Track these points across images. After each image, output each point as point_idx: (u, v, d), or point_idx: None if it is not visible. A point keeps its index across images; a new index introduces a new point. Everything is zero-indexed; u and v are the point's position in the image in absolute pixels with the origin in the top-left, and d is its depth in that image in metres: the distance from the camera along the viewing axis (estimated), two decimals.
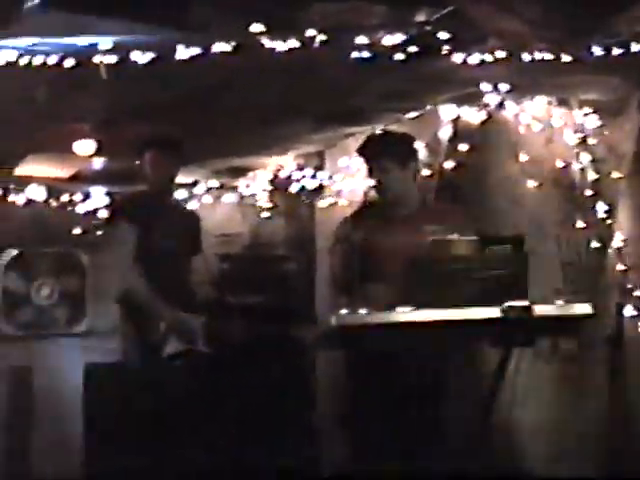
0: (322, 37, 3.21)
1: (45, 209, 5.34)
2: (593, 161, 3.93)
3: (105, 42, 3.18)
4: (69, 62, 3.24)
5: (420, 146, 3.85)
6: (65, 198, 5.39)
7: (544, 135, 4.09)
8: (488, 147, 4.30)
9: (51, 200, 5.36)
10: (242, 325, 4.19)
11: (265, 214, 5.77)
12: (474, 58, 3.45)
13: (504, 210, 4.18)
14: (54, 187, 5.31)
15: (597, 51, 3.31)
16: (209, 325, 3.94)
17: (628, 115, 3.83)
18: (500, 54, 3.41)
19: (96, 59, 3.23)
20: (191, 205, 5.49)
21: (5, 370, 5.23)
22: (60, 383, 5.09)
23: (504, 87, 3.91)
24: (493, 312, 2.78)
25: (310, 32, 3.20)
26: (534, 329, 2.89)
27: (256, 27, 3.15)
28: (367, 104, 4.25)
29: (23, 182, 5.23)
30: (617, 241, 3.82)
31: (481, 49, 3.43)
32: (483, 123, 4.27)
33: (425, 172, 4.24)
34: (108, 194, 5.34)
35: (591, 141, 3.95)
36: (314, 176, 5.34)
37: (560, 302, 2.86)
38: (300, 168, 5.41)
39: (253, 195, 5.77)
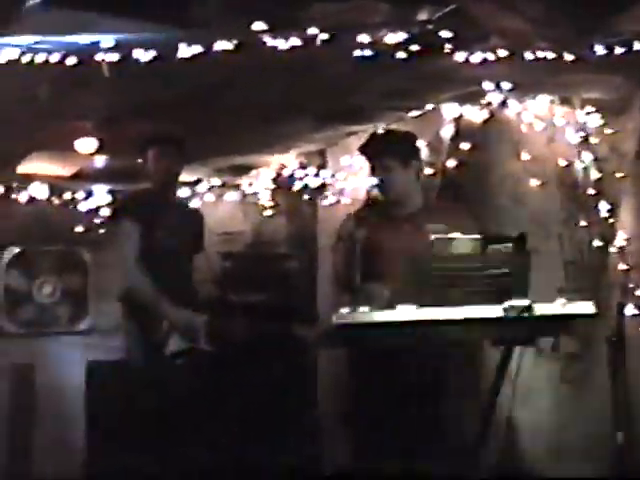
0: (324, 35, 3.20)
1: (47, 207, 5.34)
2: (595, 160, 3.92)
3: (107, 40, 3.18)
4: (71, 60, 3.23)
5: (422, 145, 3.85)
6: (67, 196, 5.39)
7: (546, 134, 4.08)
8: (490, 146, 4.29)
9: (53, 198, 5.36)
10: (244, 323, 4.20)
11: (267, 212, 5.76)
12: (476, 57, 3.44)
13: (506, 209, 4.17)
14: (56, 185, 5.31)
15: (599, 50, 3.30)
16: (211, 323, 3.94)
17: (630, 114, 3.83)
18: (502, 53, 3.40)
19: (98, 57, 3.22)
20: (193, 203, 5.49)
21: (7, 368, 5.24)
22: (62, 381, 5.10)
23: (506, 86, 3.90)
24: (495, 311, 2.77)
25: (312, 30, 3.19)
26: (535, 328, 2.88)
27: (258, 25, 3.14)
28: (369, 103, 4.24)
29: (25, 180, 5.23)
30: (619, 240, 3.81)
31: (483, 48, 3.42)
32: (485, 122, 4.26)
33: (427, 171, 4.23)
34: (110, 192, 5.34)
35: (593, 140, 3.95)
36: (316, 175, 5.33)
37: (562, 301, 2.85)
38: (302, 167, 5.40)
39: (255, 193, 5.77)
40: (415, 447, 3.36)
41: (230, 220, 5.85)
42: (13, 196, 5.29)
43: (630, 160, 3.81)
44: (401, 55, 3.34)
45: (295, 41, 3.22)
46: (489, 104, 4.20)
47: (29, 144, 4.58)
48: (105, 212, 5.30)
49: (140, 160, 4.19)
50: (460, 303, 2.78)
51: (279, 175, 5.59)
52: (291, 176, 5.46)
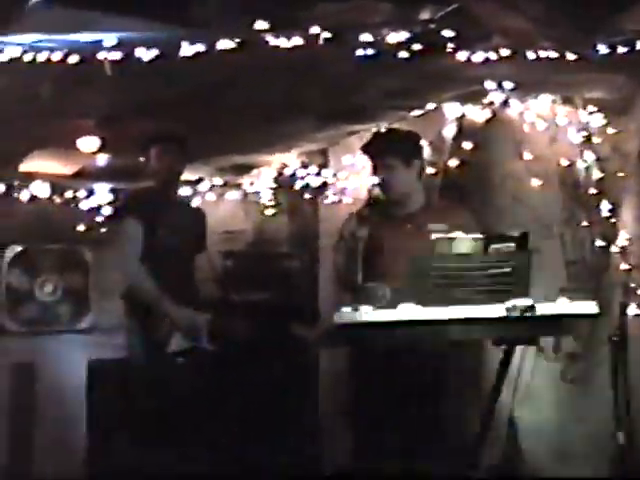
0: (326, 35, 3.19)
1: (49, 206, 5.33)
2: (597, 160, 3.91)
3: (109, 39, 3.18)
4: (73, 58, 3.23)
5: (424, 144, 3.84)
6: (69, 195, 5.38)
7: (548, 133, 4.07)
8: (492, 145, 4.28)
9: (55, 197, 5.35)
10: (245, 322, 4.20)
11: (269, 212, 5.76)
12: (478, 56, 3.44)
13: (508, 208, 4.16)
14: (58, 184, 5.30)
15: (602, 49, 3.30)
16: (213, 322, 3.94)
17: (633, 114, 3.82)
18: (505, 52, 3.40)
19: (100, 56, 3.21)
20: (195, 202, 5.49)
21: (8, 366, 5.24)
22: (63, 380, 5.09)
23: (508, 85, 3.90)
24: (496, 311, 2.77)
25: (314, 30, 3.18)
26: (537, 328, 2.87)
27: (260, 24, 3.14)
28: (371, 102, 4.23)
29: (27, 178, 5.22)
30: (621, 240, 3.81)
31: (485, 47, 3.41)
32: (487, 121, 4.26)
33: (429, 170, 4.23)
34: (112, 191, 5.34)
35: (595, 140, 3.94)
36: (318, 174, 5.32)
37: (564, 301, 2.85)
38: (304, 166, 5.40)
39: (257, 193, 5.76)
40: (416, 447, 3.36)
41: (231, 219, 5.84)
42: (15, 195, 5.28)
43: (632, 160, 3.81)
44: (403, 54, 3.34)
45: (297, 40, 3.21)
46: (491, 104, 4.20)
47: (31, 142, 4.57)
48: (107, 211, 5.30)
49: (142, 159, 4.19)
50: (461, 303, 2.79)
51: (281, 174, 5.59)
52: (293, 175, 5.45)
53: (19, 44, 3.17)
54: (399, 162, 3.51)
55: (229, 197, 5.83)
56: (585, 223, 3.94)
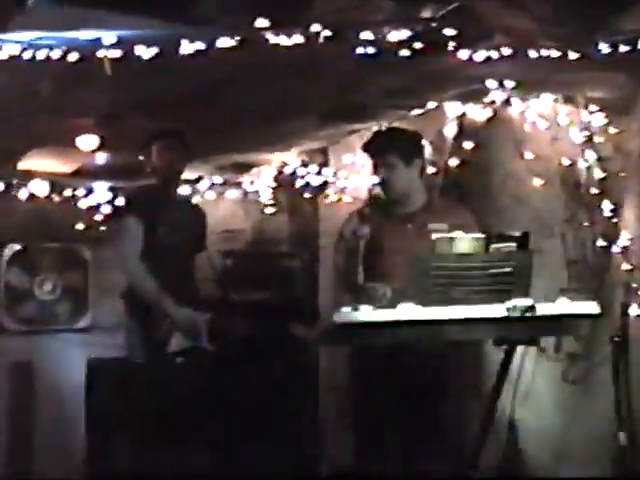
0: (327, 33, 3.18)
1: (48, 204, 5.32)
2: (599, 159, 3.91)
3: (109, 37, 3.16)
4: (73, 56, 3.21)
5: (425, 143, 3.83)
6: (68, 193, 5.37)
7: (550, 133, 4.06)
8: (493, 145, 4.27)
9: (54, 195, 5.34)
10: (245, 322, 4.19)
11: (268, 210, 5.75)
12: (480, 55, 3.43)
13: (509, 208, 4.15)
14: (57, 182, 5.28)
15: (604, 48, 3.28)
16: (213, 322, 3.93)
17: (635, 113, 3.81)
18: (506, 51, 3.39)
19: (100, 54, 3.20)
20: (194, 201, 5.47)
21: (7, 365, 5.22)
22: (62, 379, 5.08)
23: (510, 84, 3.88)
24: (497, 310, 2.76)
25: (315, 28, 3.17)
26: (538, 328, 2.86)
27: (260, 22, 3.13)
28: (372, 101, 4.22)
29: (26, 177, 5.20)
30: (623, 240, 3.80)
31: (487, 46, 3.40)
32: (489, 120, 4.24)
33: (430, 170, 4.22)
34: (111, 189, 5.33)
35: (597, 139, 3.93)
36: (318, 173, 5.31)
37: (565, 301, 2.84)
38: (304, 165, 5.38)
39: (257, 191, 5.75)
40: (416, 448, 3.35)
41: (231, 218, 5.83)
42: (13, 193, 5.27)
43: (634, 159, 3.80)
44: (404, 53, 3.32)
45: (298, 38, 3.20)
46: (492, 103, 4.19)
47: (30, 140, 4.56)
48: (106, 209, 5.29)
49: (143, 157, 4.18)
50: (462, 303, 2.78)
51: (281, 173, 5.57)
52: (293, 174, 5.44)
53: (18, 42, 3.16)
54: (400, 161, 3.51)
55: (229, 196, 5.82)
56: (586, 223, 3.92)
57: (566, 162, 4.02)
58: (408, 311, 2.76)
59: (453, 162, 4.35)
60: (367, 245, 3.35)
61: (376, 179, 3.57)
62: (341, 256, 3.54)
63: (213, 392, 3.79)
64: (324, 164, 5.32)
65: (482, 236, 2.95)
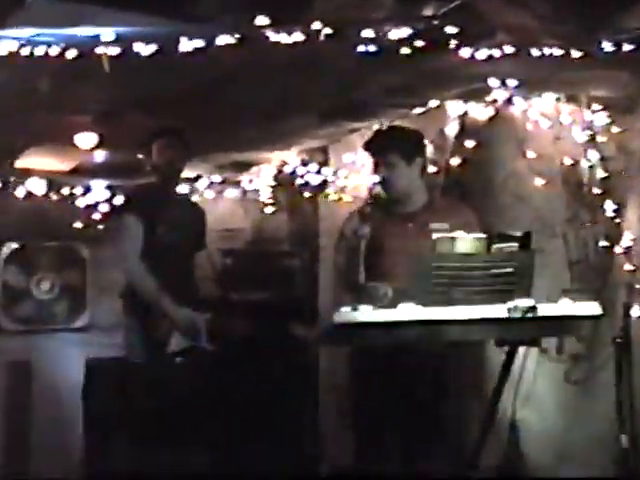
0: (327, 30, 3.16)
1: (45, 202, 5.31)
2: (602, 159, 3.90)
3: (107, 33, 3.14)
4: (71, 53, 3.20)
5: (426, 142, 3.81)
6: (66, 191, 5.36)
7: (552, 132, 4.04)
8: (495, 144, 4.25)
9: (52, 193, 5.32)
10: (244, 321, 4.18)
11: (268, 209, 5.73)
12: (482, 53, 3.41)
13: (511, 207, 4.14)
14: (55, 180, 5.28)
15: (607, 47, 3.26)
16: (212, 321, 3.92)
17: (638, 112, 3.80)
18: (509, 49, 3.37)
19: (99, 50, 3.19)
20: (194, 200, 5.46)
21: (4, 365, 5.22)
22: (60, 378, 5.07)
23: (512, 83, 3.86)
24: (498, 311, 2.75)
25: (315, 25, 3.15)
26: (540, 329, 2.84)
27: (261, 20, 3.11)
28: (372, 99, 4.21)
29: (23, 175, 5.19)
30: (625, 240, 3.79)
31: (489, 44, 3.38)
32: (490, 119, 4.23)
33: (431, 169, 4.20)
34: (109, 187, 5.32)
35: (600, 138, 3.92)
36: (318, 172, 5.30)
37: (567, 301, 2.82)
38: (304, 163, 5.37)
39: (256, 190, 5.74)
40: (416, 449, 3.34)
41: (230, 217, 5.83)
42: (11, 191, 5.26)
43: (637, 159, 3.79)
44: (405, 51, 3.31)
45: (298, 36, 3.18)
46: (494, 101, 4.17)
47: (28, 138, 4.56)
48: (104, 208, 5.28)
49: (143, 155, 4.17)
50: (463, 303, 2.77)
51: (280, 172, 5.56)
52: (293, 173, 5.43)
53: (16, 38, 3.14)
54: (401, 160, 3.49)
55: (228, 195, 5.81)
56: (589, 223, 3.91)
57: (568, 161, 4.01)
58: (408, 311, 2.75)
59: (454, 161, 4.34)
60: (368, 245, 3.33)
61: (377, 178, 3.55)
62: (342, 256, 3.52)
63: (213, 392, 3.78)
64: (324, 163, 5.31)
65: (483, 236, 2.93)
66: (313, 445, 4.14)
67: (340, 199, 5.09)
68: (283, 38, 3.19)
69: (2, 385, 5.18)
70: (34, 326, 5.39)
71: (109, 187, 5.30)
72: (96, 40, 3.15)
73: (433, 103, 4.26)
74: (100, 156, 4.81)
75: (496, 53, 3.40)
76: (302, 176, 5.37)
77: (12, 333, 5.33)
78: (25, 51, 3.16)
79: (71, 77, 3.51)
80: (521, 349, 3.08)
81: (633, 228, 3.79)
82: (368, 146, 3.62)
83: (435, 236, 2.96)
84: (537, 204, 4.05)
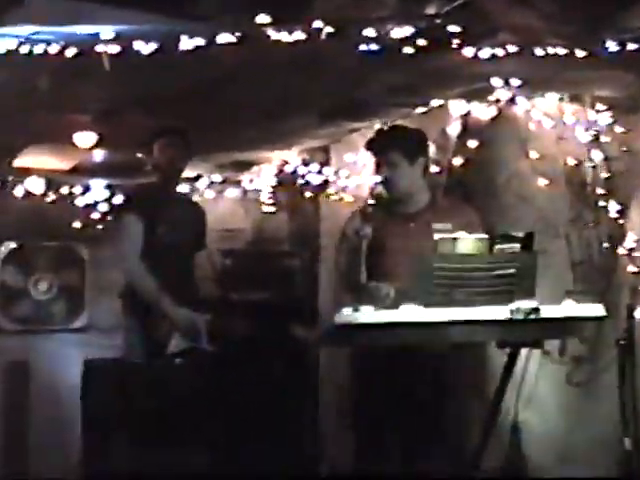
0: (329, 29, 3.15)
1: (44, 202, 5.30)
2: (605, 159, 3.89)
3: (107, 31, 3.13)
4: (71, 51, 3.19)
5: (428, 142, 3.79)
6: (65, 191, 5.35)
7: (555, 132, 4.04)
8: (498, 144, 4.24)
9: (50, 192, 5.31)
10: (244, 322, 4.17)
11: (269, 209, 5.72)
12: (485, 52, 3.39)
13: (513, 208, 4.12)
14: (54, 179, 5.27)
15: (611, 46, 3.25)
16: (212, 322, 3.90)
17: None
18: (512, 49, 3.35)
19: (98, 49, 3.17)
20: (195, 200, 5.44)
21: (2, 365, 5.21)
22: (58, 379, 5.06)
23: (515, 82, 3.85)
24: (501, 312, 2.73)
25: (316, 24, 3.13)
26: (542, 330, 2.83)
27: (262, 18, 3.09)
28: (374, 98, 4.20)
29: (22, 174, 5.18)
30: (629, 241, 3.77)
31: (492, 43, 3.36)
32: (493, 119, 4.21)
33: (433, 169, 4.18)
34: (109, 187, 5.31)
35: (603, 139, 3.91)
36: (319, 171, 5.28)
37: (570, 303, 2.80)
38: (305, 163, 5.36)
39: (257, 190, 5.72)
40: (417, 451, 3.33)
41: (231, 217, 5.82)
42: (9, 190, 5.25)
43: None
44: (408, 50, 3.29)
45: (299, 35, 3.17)
46: (497, 101, 4.15)
47: (26, 137, 4.55)
48: (103, 207, 5.27)
49: (144, 154, 4.17)
50: (465, 304, 2.75)
51: (281, 171, 5.55)
52: (293, 173, 5.41)
53: (15, 36, 3.13)
54: (403, 159, 3.47)
55: (228, 195, 5.80)
56: (592, 224, 3.90)
57: (572, 162, 4.00)
58: (410, 312, 2.73)
59: (457, 161, 4.33)
60: (369, 245, 3.31)
61: (379, 178, 3.53)
62: (343, 256, 3.50)
63: (213, 393, 3.76)
64: (325, 163, 5.29)
65: (486, 237, 2.92)
66: (313, 446, 4.13)
67: (341, 199, 5.07)
68: (284, 37, 3.17)
69: (0, 385, 5.16)
70: (32, 326, 5.38)
71: (108, 186, 5.29)
72: (96, 38, 3.15)
73: (435, 102, 4.25)
74: (99, 155, 4.80)
75: (499, 52, 3.38)
76: (303, 176, 5.36)
77: (10, 333, 5.32)
78: (24, 49, 3.16)
79: (70, 75, 3.51)
80: (523, 351, 3.07)
81: (637, 229, 3.79)
82: (370, 145, 3.60)
83: (437, 237, 2.94)
84: (540, 204, 4.04)
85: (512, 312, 2.72)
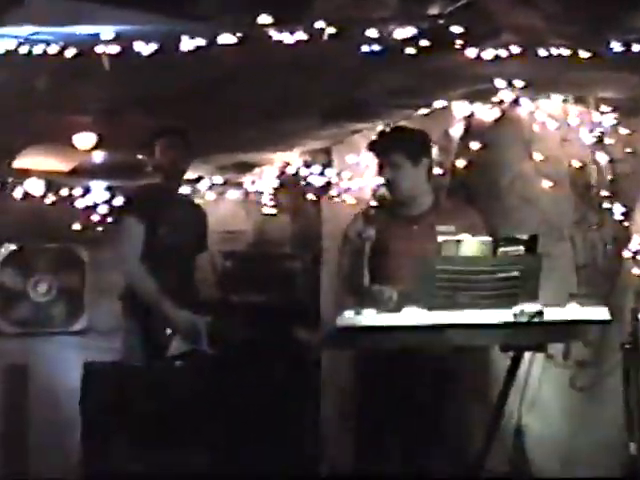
0: (331, 30, 3.14)
1: (44, 203, 5.29)
2: (610, 161, 3.88)
3: (107, 32, 3.11)
4: (70, 52, 3.19)
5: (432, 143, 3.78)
6: (65, 192, 5.34)
7: (559, 133, 4.04)
8: (501, 145, 4.23)
9: (50, 194, 5.30)
10: (245, 324, 4.15)
11: (270, 211, 5.71)
12: (488, 53, 3.38)
13: (517, 210, 4.11)
14: (53, 181, 5.26)
15: (616, 47, 3.23)
16: (213, 325, 3.89)
17: None
18: (515, 49, 3.34)
19: (98, 49, 3.16)
20: (196, 201, 5.43)
21: (1, 368, 5.19)
22: (57, 382, 5.05)
23: (519, 84, 3.83)
24: (504, 315, 2.71)
25: (318, 25, 3.12)
26: (546, 334, 2.81)
27: (263, 19, 3.07)
28: (376, 99, 4.19)
29: (22, 175, 5.18)
30: (634, 244, 3.76)
31: (495, 44, 3.35)
32: (496, 121, 4.20)
33: (436, 170, 4.16)
34: (109, 189, 5.30)
35: (608, 140, 3.90)
36: (321, 173, 5.27)
37: (574, 306, 2.77)
38: (307, 165, 5.35)
39: (258, 192, 5.71)
40: (419, 455, 3.30)
41: (232, 219, 5.81)
42: (9, 191, 5.24)
43: None
44: (410, 51, 3.28)
45: (301, 35, 3.16)
46: (501, 102, 4.15)
47: (26, 138, 4.56)
48: (103, 209, 5.26)
49: (145, 156, 4.16)
50: (468, 307, 2.74)
51: (283, 173, 5.53)
52: (295, 174, 5.40)
53: (15, 36, 3.12)
54: (406, 160, 3.44)
55: (230, 196, 5.79)
56: (597, 226, 3.89)
57: (576, 163, 4.00)
58: (413, 315, 2.72)
59: (460, 163, 4.32)
60: (372, 247, 3.29)
61: (381, 179, 3.50)
62: (346, 258, 3.48)
63: (213, 397, 3.74)
64: (327, 164, 5.28)
65: (489, 239, 2.90)
66: (314, 451, 4.11)
67: (343, 201, 5.05)
68: (286, 38, 3.16)
69: None
70: (31, 329, 5.38)
71: (109, 188, 5.28)
72: (96, 39, 3.13)
73: (438, 104, 4.24)
74: (99, 156, 4.79)
75: (502, 53, 3.37)
76: (305, 178, 5.34)
77: (9, 336, 5.32)
78: (24, 49, 3.15)
79: (70, 76, 3.50)
80: (527, 354, 3.06)
81: None
82: (373, 146, 3.58)
83: (440, 239, 2.91)
84: (544, 207, 4.03)
85: (516, 315, 2.70)
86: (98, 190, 5.30)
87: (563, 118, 4.02)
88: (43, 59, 3.19)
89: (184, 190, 5.08)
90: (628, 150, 3.82)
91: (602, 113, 3.89)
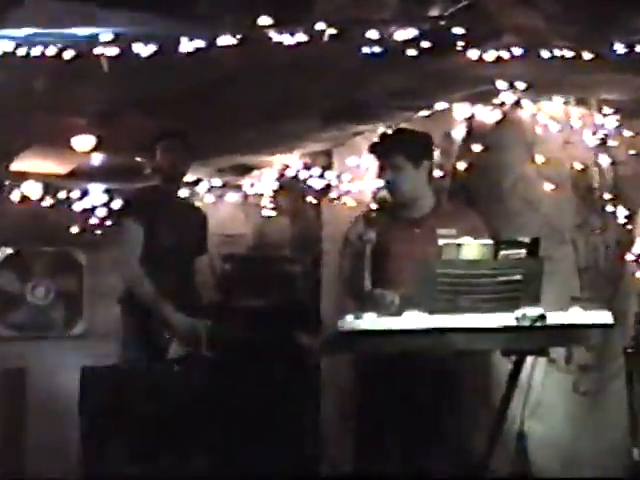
0: (331, 31, 3.13)
1: (41, 206, 5.27)
2: (613, 163, 3.86)
3: (106, 33, 3.10)
4: (68, 53, 3.18)
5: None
6: (62, 195, 5.33)
7: (562, 136, 4.03)
8: (503, 148, 4.22)
9: (48, 197, 5.29)
10: (245, 328, 4.14)
11: (270, 214, 5.69)
12: (490, 55, 3.36)
13: (519, 213, 4.10)
14: (51, 183, 5.25)
15: (619, 49, 3.22)
16: (212, 328, 3.87)
17: None
18: (517, 51, 3.32)
19: (97, 51, 3.15)
20: (195, 204, 5.42)
21: None
22: (55, 386, 5.04)
23: (521, 85, 3.81)
24: (506, 319, 2.69)
25: (319, 26, 3.10)
26: (548, 338, 2.79)
27: (264, 20, 3.06)
28: (377, 101, 4.18)
29: (19, 178, 5.17)
30: (637, 247, 3.74)
31: (496, 45, 3.34)
32: (498, 123, 4.18)
33: (437, 173, 4.15)
34: (107, 191, 5.28)
35: (611, 143, 3.88)
36: (321, 176, 5.25)
37: (576, 310, 2.75)
38: (307, 167, 5.34)
39: (258, 194, 5.70)
40: (421, 458, 3.28)
41: (231, 222, 5.81)
42: (6, 194, 5.23)
43: None
44: (411, 52, 3.28)
45: (301, 37, 3.15)
46: (502, 104, 4.13)
47: (23, 140, 4.55)
48: (102, 212, 5.24)
49: (145, 158, 4.14)
50: (469, 311, 2.72)
51: (282, 175, 5.52)
52: (295, 177, 5.38)
53: (13, 38, 3.10)
54: (407, 162, 3.43)
55: (229, 199, 5.77)
56: (599, 229, 3.88)
57: (578, 166, 3.99)
58: (414, 319, 2.69)
59: (461, 165, 4.30)
60: (373, 250, 3.27)
61: (382, 181, 3.49)
62: (347, 261, 3.46)
63: (213, 400, 3.73)
64: (327, 167, 5.27)
65: (491, 242, 2.88)
66: (314, 455, 4.10)
67: (344, 204, 5.04)
68: (286, 39, 3.14)
69: None
70: (29, 333, 5.38)
71: (107, 191, 5.27)
72: (95, 40, 3.11)
73: (439, 106, 4.23)
74: (98, 159, 4.79)
75: (504, 55, 3.35)
76: (305, 180, 5.33)
77: (7, 340, 5.31)
78: (22, 51, 3.14)
79: (69, 77, 3.49)
80: (529, 359, 3.04)
81: None
82: (374, 148, 3.57)
83: (441, 242, 2.89)
84: (546, 210, 4.03)
85: (518, 319, 2.68)
86: (96, 193, 5.29)
87: (565, 120, 4.02)
88: (41, 60, 3.18)
89: (183, 193, 5.07)
90: (631, 152, 3.81)
91: (605, 115, 3.89)
